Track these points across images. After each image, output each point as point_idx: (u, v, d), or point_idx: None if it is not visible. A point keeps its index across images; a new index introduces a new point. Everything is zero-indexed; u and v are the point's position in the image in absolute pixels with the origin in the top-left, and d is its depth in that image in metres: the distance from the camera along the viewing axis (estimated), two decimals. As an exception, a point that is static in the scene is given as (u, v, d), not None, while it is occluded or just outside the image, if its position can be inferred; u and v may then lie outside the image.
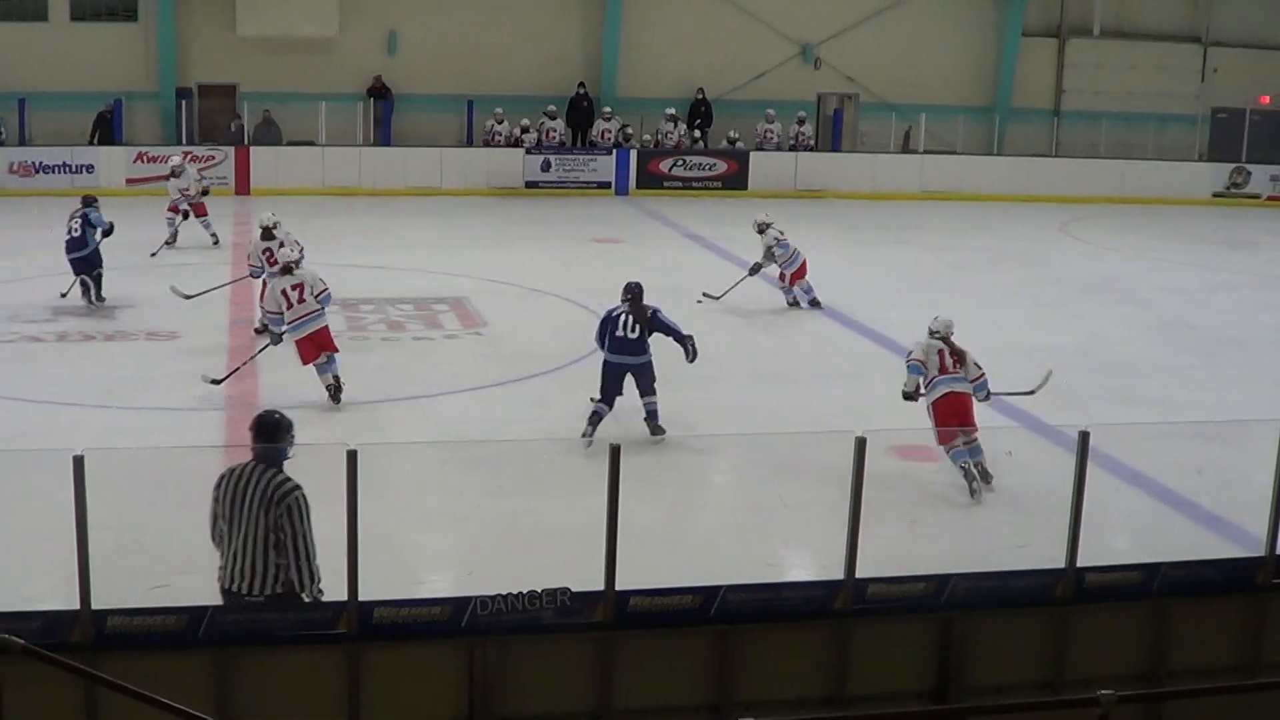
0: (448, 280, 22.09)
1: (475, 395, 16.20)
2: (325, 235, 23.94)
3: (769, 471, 13.41)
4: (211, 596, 8.37)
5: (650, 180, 33.63)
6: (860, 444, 8.58)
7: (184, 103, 32.56)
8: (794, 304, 20.88)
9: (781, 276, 20.81)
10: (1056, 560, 9.19)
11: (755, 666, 8.77)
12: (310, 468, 8.57)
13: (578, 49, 35.04)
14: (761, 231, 20.65)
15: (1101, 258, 27.66)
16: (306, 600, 8.26)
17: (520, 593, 8.39)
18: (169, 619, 8.15)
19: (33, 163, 30.70)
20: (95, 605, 7.99)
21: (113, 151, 31.28)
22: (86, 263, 19.48)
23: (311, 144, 32.40)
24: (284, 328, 15.49)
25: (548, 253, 25.31)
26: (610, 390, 14.10)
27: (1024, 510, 12.46)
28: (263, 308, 16.30)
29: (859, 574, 8.83)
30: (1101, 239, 29.73)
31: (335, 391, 15.31)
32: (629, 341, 14.08)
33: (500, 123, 33.35)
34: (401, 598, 8.51)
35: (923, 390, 13.35)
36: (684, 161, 33.97)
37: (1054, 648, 9.24)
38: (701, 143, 34.58)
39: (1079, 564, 9.14)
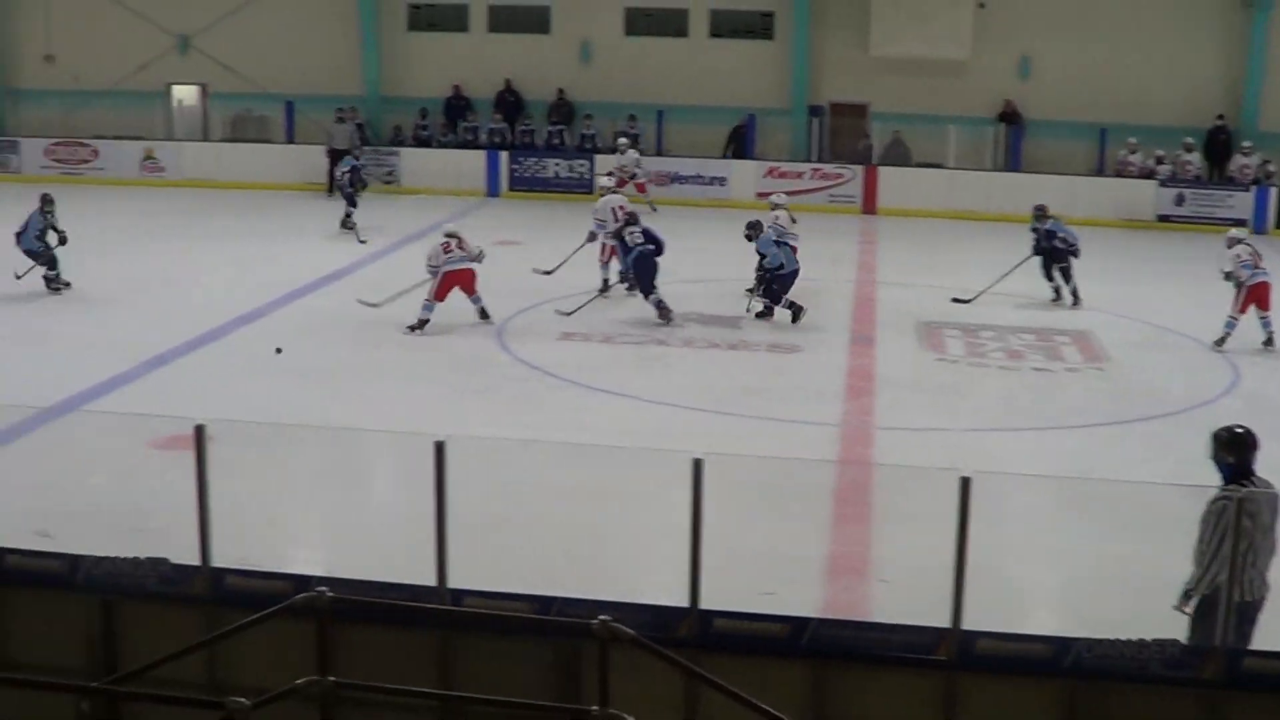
0: (1071, 312, 21.44)
1: (1091, 432, 15.63)
2: (949, 259, 23.83)
3: None
4: (813, 607, 8.35)
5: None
6: None
7: (815, 120, 33.19)
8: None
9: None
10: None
11: None
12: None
13: (1217, 79, 33.39)
14: None
15: None
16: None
17: (1127, 640, 7.97)
18: (773, 626, 8.18)
19: (668, 173, 31.96)
20: (703, 605, 8.11)
21: (745, 165, 32.22)
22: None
23: (940, 166, 32.32)
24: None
25: (1180, 291, 24.14)
26: None
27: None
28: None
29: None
30: None
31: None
32: None
33: (1133, 153, 32.26)
34: (1003, 630, 8.24)
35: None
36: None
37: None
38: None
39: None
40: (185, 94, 36.39)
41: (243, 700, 6.56)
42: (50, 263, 21.13)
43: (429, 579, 8.57)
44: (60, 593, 9.51)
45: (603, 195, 22.27)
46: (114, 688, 8.03)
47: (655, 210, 26.62)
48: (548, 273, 21.95)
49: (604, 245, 21.56)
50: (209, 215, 27.16)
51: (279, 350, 17.35)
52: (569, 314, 19.99)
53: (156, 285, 21.82)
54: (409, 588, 8.68)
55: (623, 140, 30.99)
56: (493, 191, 33.03)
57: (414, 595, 8.62)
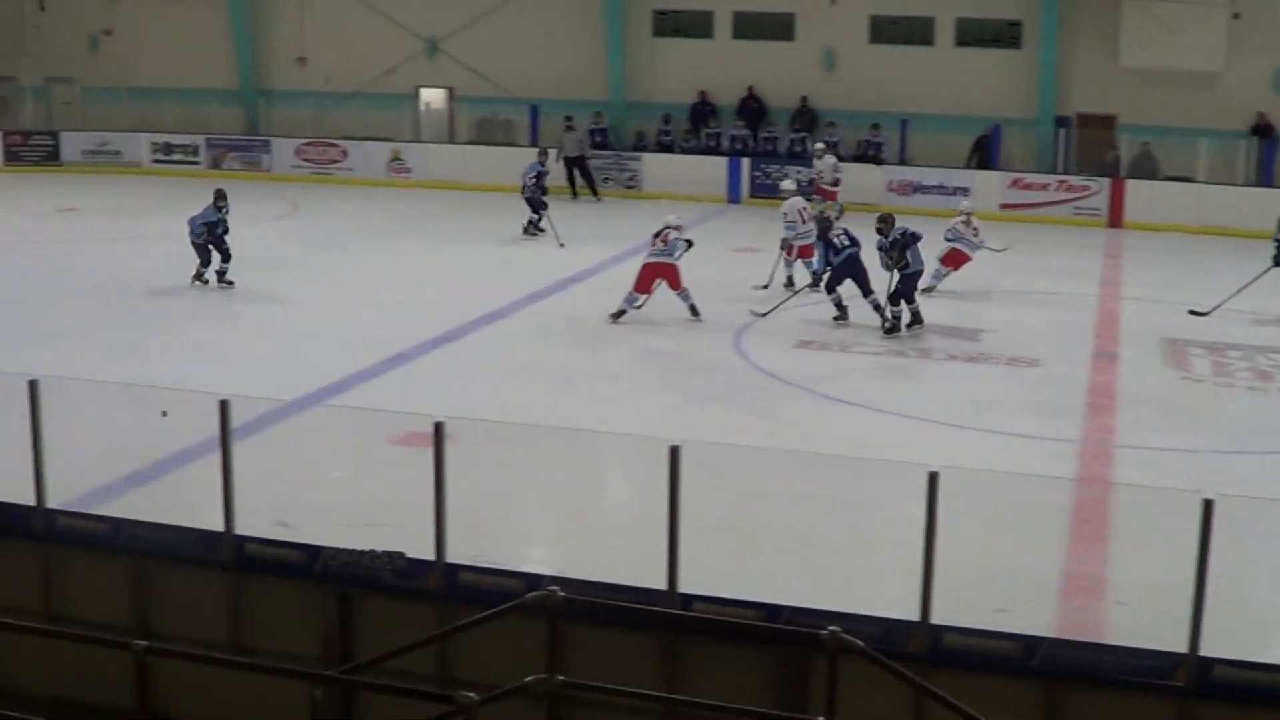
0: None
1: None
2: (1198, 274, 23.21)
3: None
4: (1046, 626, 8.19)
5: None
6: None
7: (1062, 131, 32.58)
8: None
9: None
10: None
11: None
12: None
13: None
14: None
15: None
16: None
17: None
18: (1004, 644, 8.04)
19: (910, 182, 31.68)
20: (934, 620, 8.00)
21: (989, 176, 31.74)
22: None
23: (1189, 180, 31.43)
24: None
25: None
26: None
27: None
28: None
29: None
30: None
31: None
32: None
33: (1395, 167, 31.10)
34: (1243, 658, 7.99)
35: None
36: None
37: None
38: None
39: None
40: (433, 97, 37.14)
41: (471, 695, 6.64)
42: (224, 256, 21.62)
43: (658, 582, 8.59)
44: (299, 582, 9.74)
45: (786, 199, 22.43)
46: (347, 677, 8.21)
47: (840, 215, 26.45)
48: (764, 287, 21.83)
49: (791, 246, 21.92)
50: (453, 216, 27.68)
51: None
52: (763, 315, 20.09)
53: (400, 284, 22.28)
54: (639, 590, 8.71)
55: (819, 146, 30.75)
56: (733, 198, 33.07)
57: (644, 598, 8.65)
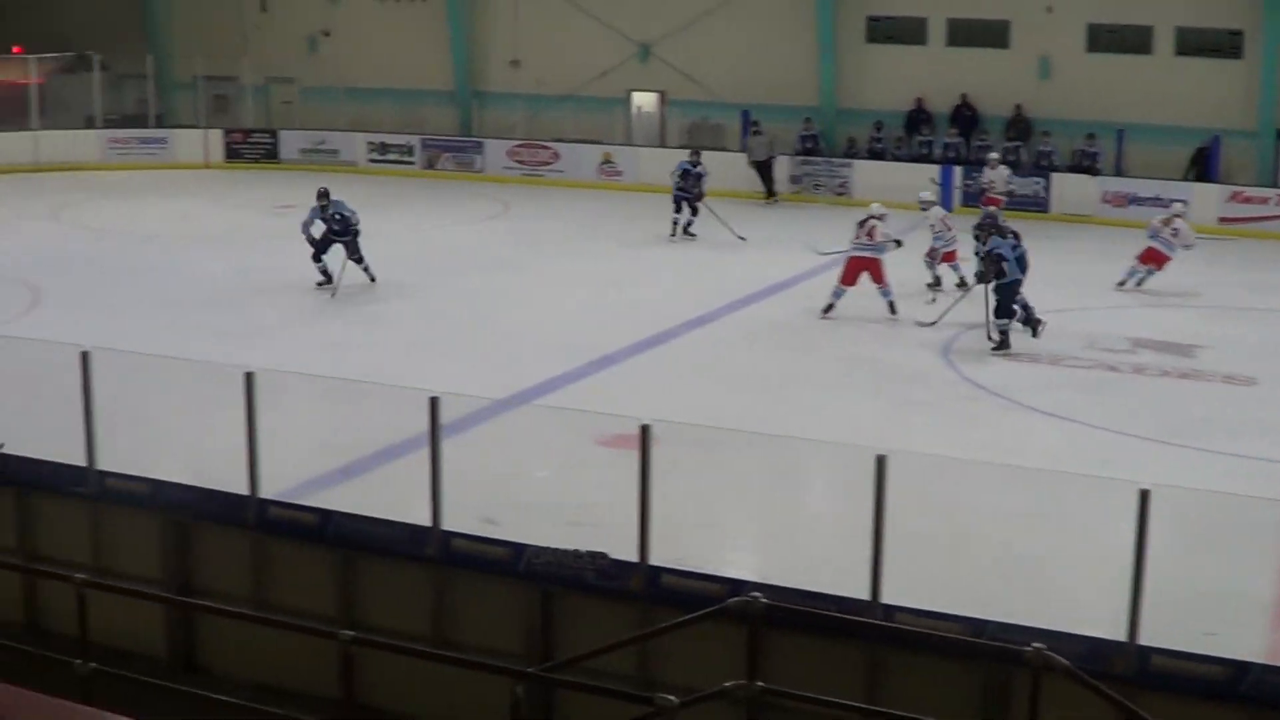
0: None
1: None
2: None
3: None
4: (1257, 652, 8.00)
5: None
6: None
7: (1283, 144, 31.70)
8: None
9: None
10: None
11: None
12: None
13: None
14: None
15: None
16: None
17: None
18: (1213, 668, 7.87)
19: (1126, 194, 31.04)
20: (1141, 641, 7.86)
21: (1207, 189, 30.94)
22: None
23: None
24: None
25: None
26: None
27: None
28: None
29: None
30: None
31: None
32: None
33: None
34: None
35: None
36: None
37: None
38: None
39: None
40: (644, 100, 37.32)
41: (671, 698, 6.68)
42: (349, 254, 21.81)
43: (861, 592, 8.55)
44: (503, 579, 9.88)
45: (926, 209, 22.61)
46: (548, 675, 8.30)
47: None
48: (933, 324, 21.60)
49: (935, 250, 22.20)
50: (662, 219, 27.73)
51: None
52: (932, 324, 19.93)
53: (608, 285, 22.47)
54: (841, 599, 8.68)
55: (993, 155, 30.17)
56: (945, 206, 32.67)
57: (846, 607, 8.62)
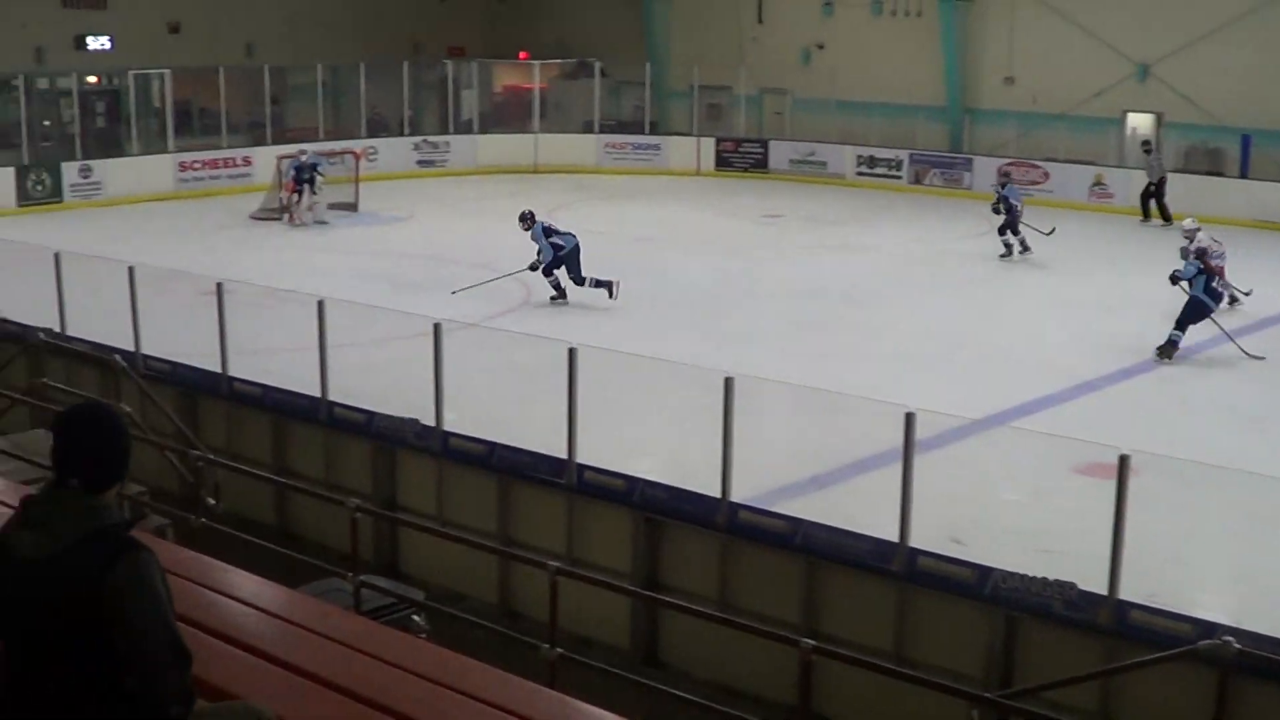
0: None
1: None
2: None
3: None
4: None
5: None
6: None
7: None
8: None
9: None
10: None
11: None
12: None
13: None
14: None
15: None
16: None
17: None
18: None
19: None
20: None
21: None
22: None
23: None
24: None
25: None
26: None
27: None
28: None
29: None
30: None
31: None
32: None
33: None
34: None
35: None
36: None
37: None
38: None
39: None
40: (1140, 122, 36.22)
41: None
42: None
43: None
44: (967, 601, 9.82)
45: (1194, 233, 21.44)
46: (1006, 701, 8.22)
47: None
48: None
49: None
50: (1151, 245, 26.82)
51: None
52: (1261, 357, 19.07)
53: (1091, 309, 21.92)
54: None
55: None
56: None
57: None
